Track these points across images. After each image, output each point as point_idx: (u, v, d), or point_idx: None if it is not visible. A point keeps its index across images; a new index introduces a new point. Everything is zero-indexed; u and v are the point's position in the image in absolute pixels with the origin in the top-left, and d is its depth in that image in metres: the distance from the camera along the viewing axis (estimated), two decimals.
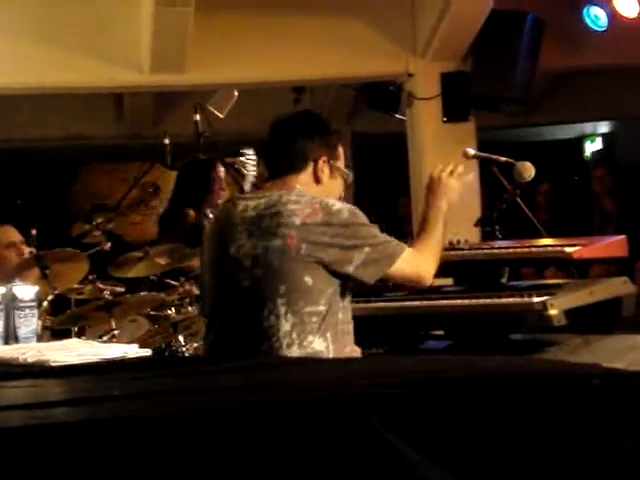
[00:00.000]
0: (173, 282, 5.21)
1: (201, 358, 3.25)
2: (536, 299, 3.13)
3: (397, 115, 7.04)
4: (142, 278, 5.23)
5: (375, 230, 3.00)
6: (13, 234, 4.75)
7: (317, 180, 3.06)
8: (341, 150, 3.15)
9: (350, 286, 2.99)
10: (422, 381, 1.69)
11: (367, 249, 2.93)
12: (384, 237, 3.00)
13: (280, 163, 3.09)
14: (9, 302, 2.58)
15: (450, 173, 3.26)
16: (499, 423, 1.49)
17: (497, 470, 1.46)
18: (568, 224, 6.58)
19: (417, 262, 3.03)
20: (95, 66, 5.96)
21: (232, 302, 2.98)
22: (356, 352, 3.02)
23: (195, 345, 4.66)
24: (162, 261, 4.99)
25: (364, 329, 3.09)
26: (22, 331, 2.58)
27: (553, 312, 3.08)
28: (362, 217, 2.99)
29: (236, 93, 5.75)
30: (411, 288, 3.30)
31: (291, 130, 3.10)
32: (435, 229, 3.16)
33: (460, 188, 3.25)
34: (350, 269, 2.91)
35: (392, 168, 7.27)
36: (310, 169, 3.06)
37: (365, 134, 8.44)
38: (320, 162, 3.06)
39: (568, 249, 3.33)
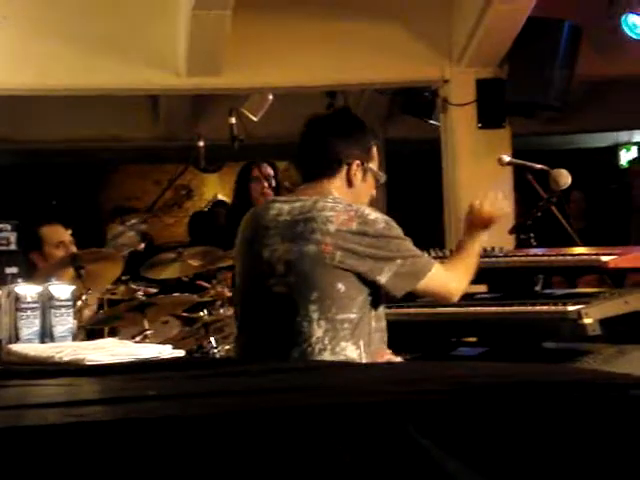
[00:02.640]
0: (205, 284, 5.24)
1: (235, 360, 3.26)
2: (571, 308, 3.11)
3: (431, 121, 7.03)
4: (174, 279, 5.26)
5: (408, 244, 2.98)
6: (63, 233, 4.81)
7: (350, 184, 3.04)
8: (375, 150, 3.13)
9: (382, 295, 2.98)
10: (458, 387, 1.68)
11: (398, 261, 2.92)
12: (416, 251, 2.98)
13: (314, 166, 3.07)
14: (46, 301, 2.60)
15: (490, 204, 3.20)
16: (534, 431, 1.48)
17: (532, 477, 1.45)
18: (602, 233, 6.53)
19: (446, 279, 3.01)
20: (132, 68, 6.00)
21: (264, 306, 2.98)
22: (392, 359, 3.01)
23: (227, 347, 4.68)
24: (195, 263, 5.01)
25: (396, 334, 3.08)
26: (58, 330, 2.59)
27: (587, 321, 3.06)
28: (397, 229, 2.97)
29: (271, 97, 5.77)
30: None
31: (326, 131, 3.08)
32: (469, 255, 3.13)
33: (499, 219, 3.20)
34: (381, 280, 2.91)
35: (425, 174, 7.26)
36: (343, 172, 3.04)
37: (398, 140, 8.43)
38: (354, 166, 3.04)
39: (604, 258, 3.30)
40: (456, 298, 3.04)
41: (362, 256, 2.88)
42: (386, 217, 2.98)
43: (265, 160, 5.59)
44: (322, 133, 3.08)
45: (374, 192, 3.16)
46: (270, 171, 5.49)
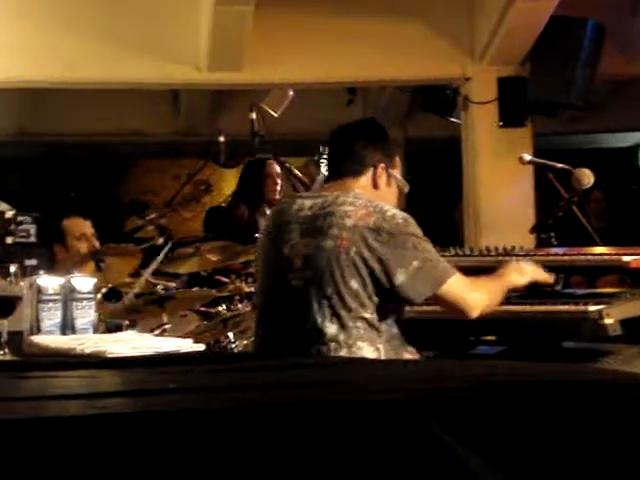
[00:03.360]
0: (224, 279, 5.25)
1: (255, 354, 3.26)
2: (592, 307, 3.10)
3: (452, 119, 7.01)
4: (193, 274, 5.28)
5: (428, 245, 2.94)
6: (84, 225, 4.84)
7: (375, 185, 3.06)
8: (398, 160, 3.17)
9: (400, 298, 2.92)
10: (479, 385, 1.68)
11: (415, 263, 2.87)
12: (436, 255, 2.95)
13: (340, 165, 3.11)
14: (67, 293, 2.61)
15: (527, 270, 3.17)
16: (554, 430, 1.48)
17: (553, 476, 1.45)
18: (622, 233, 6.49)
19: (467, 290, 2.94)
20: (153, 63, 6.02)
21: (282, 301, 2.98)
22: (412, 355, 3.00)
23: (244, 342, 4.69)
24: (213, 258, 5.02)
25: (414, 332, 3.07)
26: (79, 322, 2.60)
27: (608, 321, 3.04)
28: (416, 227, 2.94)
29: (291, 93, 5.77)
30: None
31: (354, 134, 3.13)
32: (497, 283, 3.07)
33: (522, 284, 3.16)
34: (396, 280, 2.87)
35: (445, 172, 7.24)
36: (369, 174, 3.06)
37: (418, 138, 8.42)
38: (379, 169, 3.07)
39: (625, 258, 3.28)
40: (474, 314, 2.95)
41: (377, 253, 2.86)
42: (405, 214, 2.96)
43: (276, 158, 5.62)
44: (349, 136, 3.13)
45: (398, 202, 3.15)
46: (279, 169, 5.53)
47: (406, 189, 3.17)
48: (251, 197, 5.87)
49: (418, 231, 2.94)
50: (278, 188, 5.58)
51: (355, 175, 3.06)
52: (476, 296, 2.96)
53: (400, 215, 2.93)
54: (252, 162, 5.82)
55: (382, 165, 3.07)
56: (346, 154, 3.10)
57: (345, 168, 3.08)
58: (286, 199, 3.19)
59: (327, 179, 3.16)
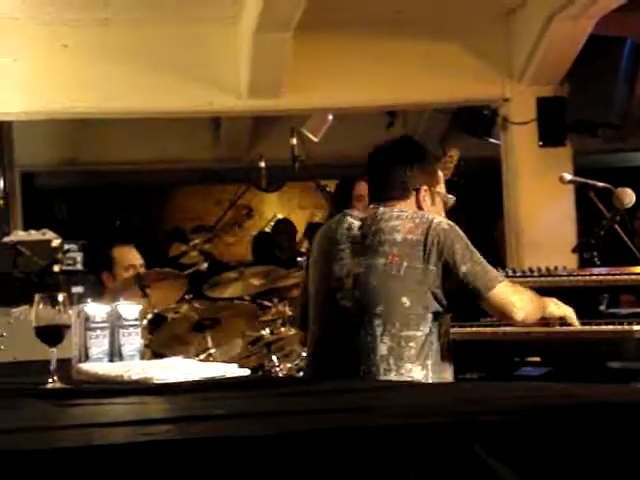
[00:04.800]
0: (267, 303, 5.27)
1: (300, 379, 3.27)
2: (636, 327, 3.08)
3: (491, 139, 7.00)
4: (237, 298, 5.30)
5: (475, 251, 2.96)
6: (135, 257, 4.85)
7: (419, 209, 3.06)
8: (441, 175, 3.16)
9: (449, 309, 2.96)
10: (525, 408, 1.68)
11: (465, 267, 2.88)
12: (484, 261, 2.96)
13: (383, 192, 3.09)
14: (114, 320, 2.64)
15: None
16: (602, 452, 1.47)
17: None
18: None
19: (515, 296, 2.95)
20: (194, 91, 6.08)
21: (333, 322, 2.99)
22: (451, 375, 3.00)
23: (288, 365, 4.70)
24: (256, 282, 5.05)
25: (459, 353, 3.07)
26: (126, 349, 2.64)
27: None
28: (462, 233, 2.96)
29: (331, 117, 5.80)
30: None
31: (390, 160, 3.11)
32: (539, 300, 3.07)
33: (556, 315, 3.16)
34: (451, 285, 2.89)
35: (486, 193, 7.22)
36: (413, 198, 3.07)
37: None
38: (422, 191, 3.07)
39: None
40: (520, 320, 2.96)
41: (427, 262, 2.88)
42: (451, 222, 2.98)
43: (360, 177, 5.52)
44: (389, 161, 3.11)
45: (446, 211, 3.16)
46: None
47: (451, 202, 3.17)
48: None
49: (465, 237, 2.96)
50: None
51: (400, 200, 3.05)
52: (524, 302, 2.97)
53: (446, 222, 2.95)
54: (341, 183, 5.61)
55: (425, 188, 3.07)
56: (387, 181, 3.09)
57: (388, 194, 3.07)
58: (336, 218, 3.15)
59: (370, 203, 3.13)
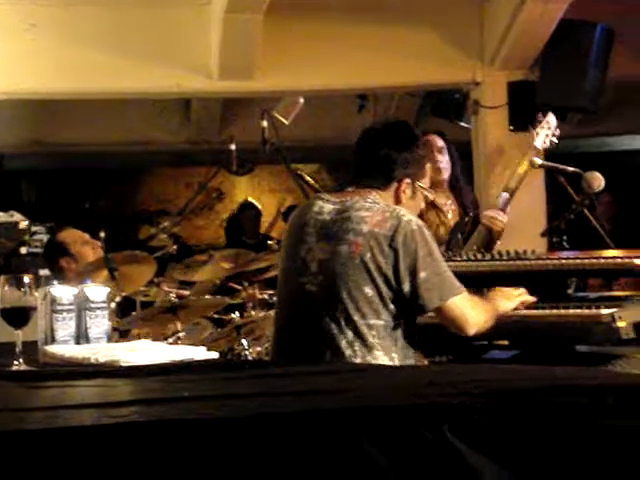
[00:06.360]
0: (237, 286, 5.26)
1: (268, 362, 3.27)
2: (604, 311, 3.10)
3: (462, 123, 7.01)
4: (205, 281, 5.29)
5: (439, 256, 2.92)
6: (82, 234, 4.83)
7: (397, 200, 3.01)
8: (428, 167, 3.11)
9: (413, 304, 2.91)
10: (493, 390, 1.69)
11: (424, 274, 2.84)
12: (446, 267, 2.92)
13: (364, 175, 3.04)
14: (81, 303, 2.62)
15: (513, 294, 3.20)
16: (568, 434, 1.48)
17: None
18: (631, 236, 6.47)
19: (470, 309, 2.92)
20: (164, 72, 6.04)
21: (297, 304, 2.98)
22: (421, 361, 3.00)
23: (258, 349, 4.70)
24: (226, 265, 5.04)
25: (427, 337, 3.07)
26: (93, 331, 2.61)
27: (621, 324, 3.04)
28: (430, 237, 2.92)
29: (302, 100, 5.78)
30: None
31: (381, 144, 3.02)
32: (492, 308, 3.06)
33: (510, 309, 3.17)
34: (404, 288, 2.86)
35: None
36: (393, 188, 3.01)
37: None
38: (403, 184, 3.01)
39: (637, 260, 3.28)
40: (472, 333, 2.94)
41: (390, 260, 2.85)
42: (421, 222, 2.94)
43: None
44: (377, 145, 3.02)
45: (421, 208, 3.13)
46: (440, 142, 4.52)
47: (431, 197, 3.16)
48: None
49: (432, 241, 2.91)
50: (440, 165, 4.48)
51: (379, 188, 3.00)
52: (476, 316, 2.95)
53: (415, 222, 2.90)
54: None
55: (407, 181, 3.01)
56: (370, 166, 3.03)
57: (369, 179, 3.02)
58: (309, 201, 3.11)
59: (349, 183, 3.07)
